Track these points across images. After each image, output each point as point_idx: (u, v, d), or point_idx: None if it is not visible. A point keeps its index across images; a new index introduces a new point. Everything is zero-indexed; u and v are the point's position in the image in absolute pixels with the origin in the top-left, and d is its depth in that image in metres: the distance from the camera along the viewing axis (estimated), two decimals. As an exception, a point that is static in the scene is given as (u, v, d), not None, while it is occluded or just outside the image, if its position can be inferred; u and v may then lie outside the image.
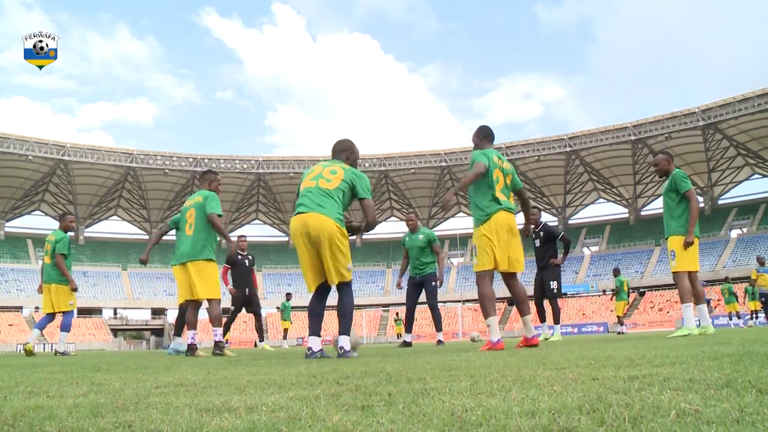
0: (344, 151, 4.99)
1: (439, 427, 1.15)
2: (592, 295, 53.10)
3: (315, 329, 4.64)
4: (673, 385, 1.58)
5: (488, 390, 1.67)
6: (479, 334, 13.11)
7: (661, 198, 6.79)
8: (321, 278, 4.60)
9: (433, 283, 8.92)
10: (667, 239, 6.71)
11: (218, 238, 6.65)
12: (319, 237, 4.43)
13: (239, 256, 10.69)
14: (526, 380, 1.90)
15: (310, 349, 4.54)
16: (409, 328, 9.15)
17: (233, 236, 8.79)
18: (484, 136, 5.35)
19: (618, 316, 16.55)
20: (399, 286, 9.37)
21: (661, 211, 6.89)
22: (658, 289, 50.03)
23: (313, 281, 4.61)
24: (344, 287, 4.65)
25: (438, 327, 9.13)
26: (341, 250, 4.52)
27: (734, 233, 54.84)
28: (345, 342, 4.56)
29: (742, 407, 1.17)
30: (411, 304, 9.00)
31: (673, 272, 6.58)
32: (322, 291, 4.71)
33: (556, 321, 9.58)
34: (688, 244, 6.40)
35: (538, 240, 9.59)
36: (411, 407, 1.39)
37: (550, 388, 1.65)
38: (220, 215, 6.48)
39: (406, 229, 9.23)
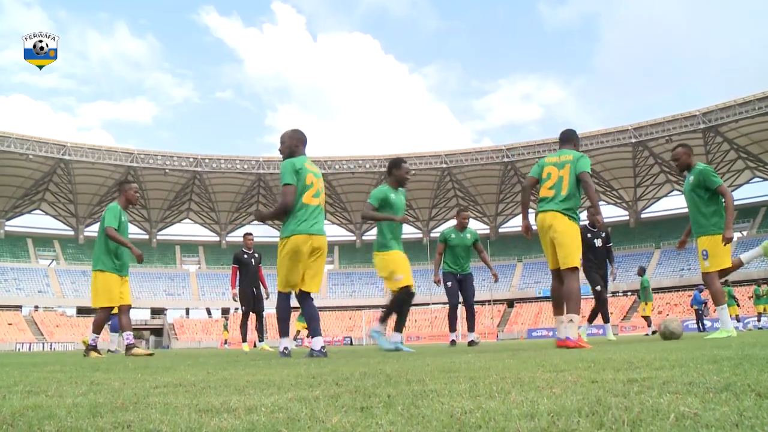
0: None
1: (438, 429, 1.16)
2: (592, 298, 52.98)
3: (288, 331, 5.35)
4: (673, 388, 1.58)
5: (487, 392, 1.67)
6: (478, 336, 13.12)
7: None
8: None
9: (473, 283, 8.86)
10: (696, 239, 6.35)
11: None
12: (320, 251, 5.06)
13: (245, 255, 10.39)
14: (526, 382, 1.90)
15: (286, 348, 5.21)
16: (454, 326, 9.00)
17: (238, 236, 8.84)
18: (560, 139, 6.04)
19: (647, 317, 16.24)
20: (438, 282, 8.84)
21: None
22: (658, 292, 49.93)
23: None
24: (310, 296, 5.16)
25: (473, 327, 8.94)
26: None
27: (734, 236, 54.80)
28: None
29: (741, 411, 1.17)
30: (457, 301, 8.80)
31: (704, 273, 6.22)
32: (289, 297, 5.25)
33: (607, 320, 9.83)
34: (728, 240, 6.02)
35: (600, 240, 9.33)
36: (410, 409, 1.39)
37: (550, 390, 1.65)
38: (116, 228, 6.83)
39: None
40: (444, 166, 58.95)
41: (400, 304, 6.16)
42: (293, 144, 5.16)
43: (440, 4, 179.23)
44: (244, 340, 10.82)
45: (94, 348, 7.03)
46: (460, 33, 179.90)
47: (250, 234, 10.93)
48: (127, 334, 7.08)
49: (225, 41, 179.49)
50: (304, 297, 5.07)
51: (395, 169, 6.32)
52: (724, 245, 6.11)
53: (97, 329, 7.06)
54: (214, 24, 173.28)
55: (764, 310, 19.23)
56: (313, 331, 4.93)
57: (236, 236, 65.89)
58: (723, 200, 6.20)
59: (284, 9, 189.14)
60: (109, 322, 11.10)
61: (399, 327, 6.25)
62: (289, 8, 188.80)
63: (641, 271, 15.58)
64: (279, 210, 4.98)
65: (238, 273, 10.46)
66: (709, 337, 6.31)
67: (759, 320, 19.63)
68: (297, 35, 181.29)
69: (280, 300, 5.14)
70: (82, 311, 53.61)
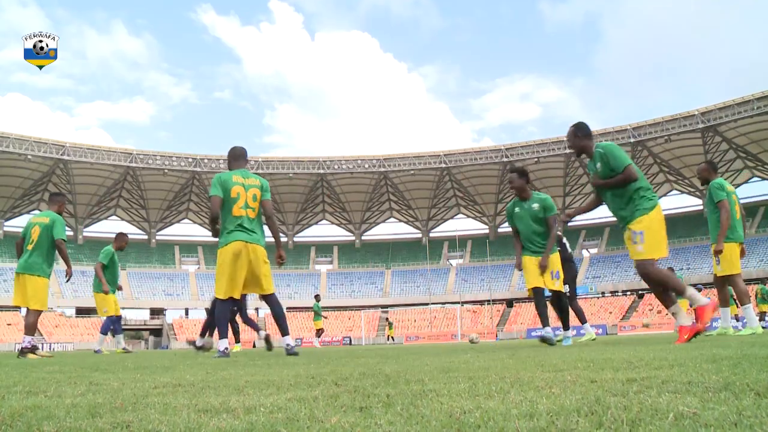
0: (246, 160, 5.88)
1: (437, 428, 1.15)
2: (591, 297, 53.10)
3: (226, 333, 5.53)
4: (672, 387, 1.58)
5: (486, 392, 1.67)
6: (477, 335, 13.22)
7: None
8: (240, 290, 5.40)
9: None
10: (712, 245, 6.85)
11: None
12: (257, 259, 5.38)
13: None
14: (525, 382, 1.90)
15: (226, 349, 5.30)
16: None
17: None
18: (585, 135, 5.40)
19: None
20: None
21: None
22: (657, 292, 49.97)
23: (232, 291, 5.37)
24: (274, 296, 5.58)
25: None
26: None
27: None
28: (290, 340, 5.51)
29: (740, 410, 1.17)
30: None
31: (728, 276, 6.71)
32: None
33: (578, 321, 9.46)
34: (717, 252, 6.56)
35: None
36: (409, 409, 1.39)
37: (549, 390, 1.66)
38: (64, 240, 7.24)
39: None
40: (443, 166, 58.90)
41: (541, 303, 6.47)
42: (228, 161, 5.87)
43: (441, 3, 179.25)
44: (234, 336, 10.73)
45: (31, 350, 7.06)
46: (459, 32, 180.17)
47: None
48: (29, 338, 7.15)
49: (223, 40, 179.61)
50: (268, 298, 5.54)
51: None
52: (715, 255, 6.62)
53: (31, 331, 7.19)
54: (211, 22, 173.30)
55: None
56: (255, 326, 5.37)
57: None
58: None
59: (282, 7, 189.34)
60: (110, 322, 10.93)
61: (566, 325, 6.70)
62: (287, 6, 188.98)
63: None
64: (210, 219, 5.54)
65: None
66: (738, 334, 6.64)
67: (761, 320, 19.57)
68: (295, 34, 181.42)
69: (219, 306, 5.42)
70: (81, 312, 53.53)
